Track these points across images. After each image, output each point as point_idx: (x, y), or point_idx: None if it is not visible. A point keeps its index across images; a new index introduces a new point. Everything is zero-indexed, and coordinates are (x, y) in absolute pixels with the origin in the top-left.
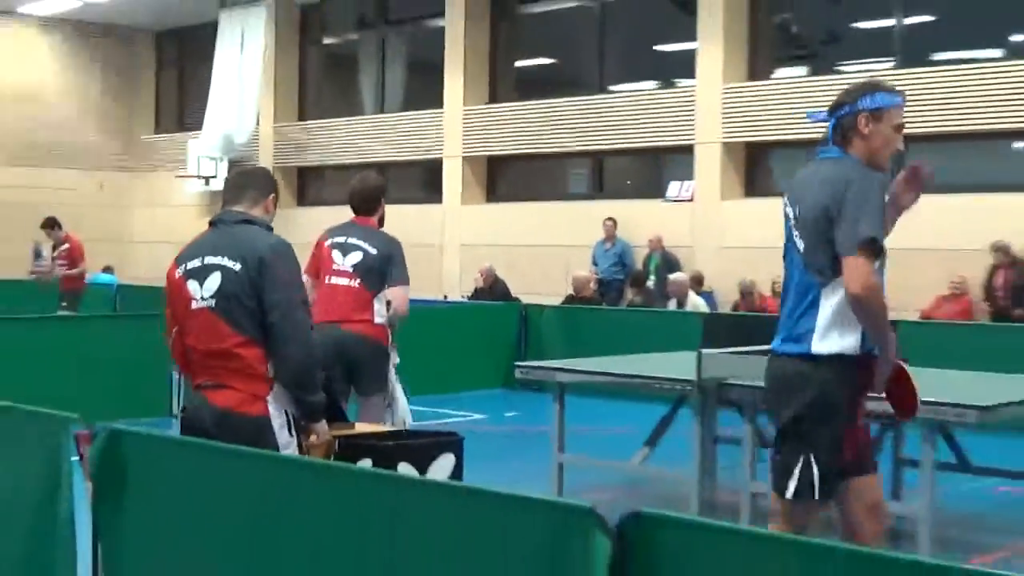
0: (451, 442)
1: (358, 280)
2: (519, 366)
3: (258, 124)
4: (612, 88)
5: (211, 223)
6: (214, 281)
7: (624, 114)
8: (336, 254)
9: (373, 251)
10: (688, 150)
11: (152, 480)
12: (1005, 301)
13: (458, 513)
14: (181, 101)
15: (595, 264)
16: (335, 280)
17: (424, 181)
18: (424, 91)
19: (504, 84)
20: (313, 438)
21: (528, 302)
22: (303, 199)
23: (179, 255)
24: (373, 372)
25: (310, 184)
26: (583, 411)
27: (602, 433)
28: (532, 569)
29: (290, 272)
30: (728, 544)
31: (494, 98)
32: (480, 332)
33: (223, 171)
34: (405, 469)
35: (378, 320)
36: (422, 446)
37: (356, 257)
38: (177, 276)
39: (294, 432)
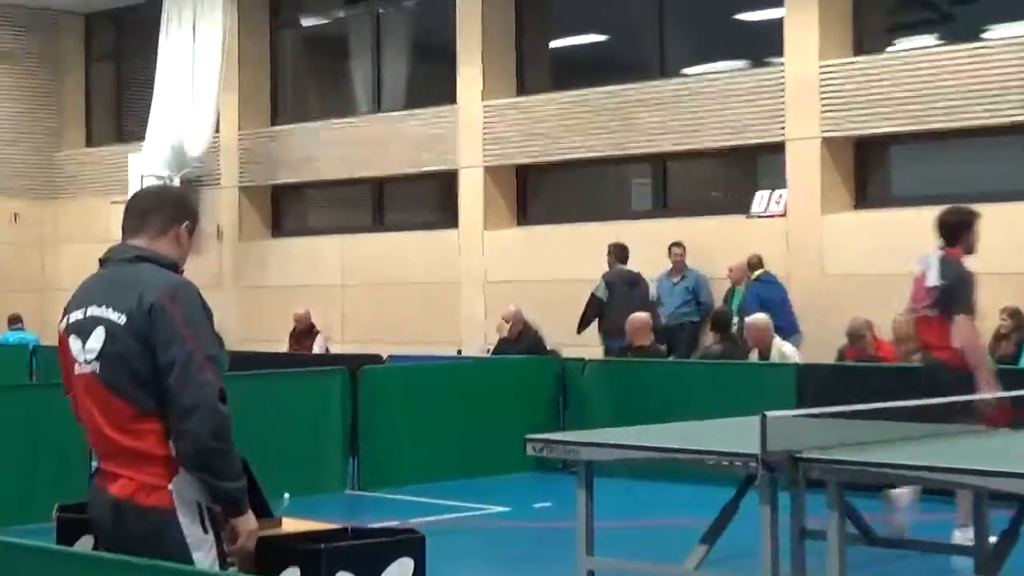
0: (408, 542)
1: None
2: (530, 440)
3: (218, 132)
4: (676, 72)
5: (101, 262)
6: (97, 339)
7: (693, 105)
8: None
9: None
10: (778, 149)
11: None
12: None
13: None
14: (118, 104)
15: (659, 303)
16: None
17: (434, 200)
18: (432, 83)
19: (535, 72)
20: (239, 537)
21: (568, 355)
22: (278, 228)
23: (68, 303)
24: None
25: (287, 207)
26: (622, 498)
27: (646, 527)
28: None
29: (191, 320)
30: None
31: (522, 90)
32: (506, 396)
33: None
34: None
35: None
36: (368, 548)
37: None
38: (61, 330)
39: (209, 527)
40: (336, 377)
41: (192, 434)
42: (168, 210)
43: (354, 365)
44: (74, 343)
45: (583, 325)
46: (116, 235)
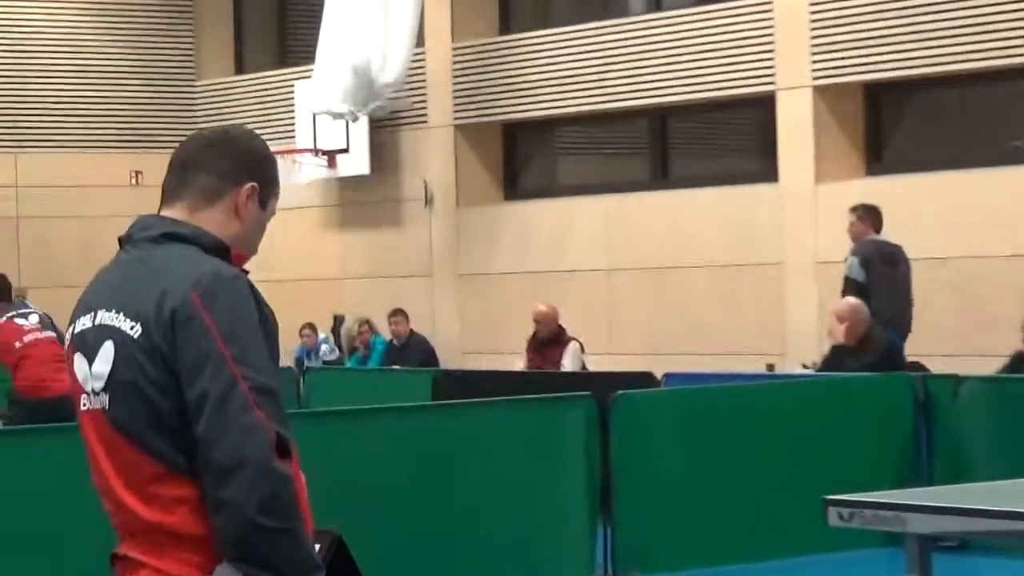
0: None
1: None
2: (830, 502)
3: (421, 46)
4: None
5: (120, 242)
6: (105, 360)
7: None
8: None
9: None
10: None
11: None
12: None
13: None
14: (280, 14)
15: None
16: None
17: (739, 140)
18: None
19: None
20: None
21: (938, 371)
22: (512, 187)
23: (77, 304)
24: None
25: (526, 156)
26: None
27: None
28: None
29: (232, 332)
30: None
31: None
32: (838, 435)
33: (361, 138)
34: None
35: None
36: None
37: None
38: (67, 346)
39: None
40: (578, 408)
41: (232, 506)
42: (224, 163)
43: (611, 389)
44: (79, 365)
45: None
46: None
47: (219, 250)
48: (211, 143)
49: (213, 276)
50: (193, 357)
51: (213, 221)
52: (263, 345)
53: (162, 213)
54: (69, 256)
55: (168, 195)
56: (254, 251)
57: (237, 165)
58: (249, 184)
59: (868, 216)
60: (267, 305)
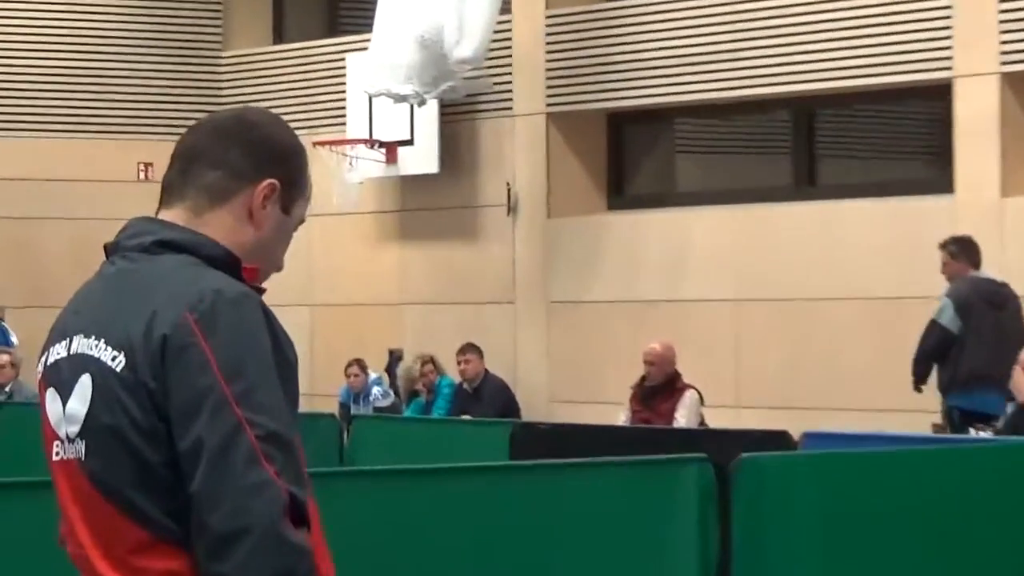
0: None
1: None
2: None
3: (507, 12)
4: None
5: (106, 251)
6: (81, 398)
7: None
8: None
9: None
10: None
11: None
12: None
13: None
14: None
15: None
16: None
17: (905, 139)
18: None
19: None
20: None
21: None
22: (619, 193)
23: (52, 328)
24: None
25: (636, 154)
26: None
27: None
28: None
29: (236, 366)
30: None
31: None
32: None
33: (428, 127)
34: None
35: None
36: None
37: None
38: (39, 378)
39: None
40: (693, 473)
41: None
42: (236, 155)
43: (736, 450)
44: (51, 404)
45: (922, 374)
46: (321, 202)
47: (226, 262)
48: (221, 129)
49: (214, 295)
50: (187, 397)
51: (221, 227)
52: (276, 383)
53: (160, 215)
54: (59, 267)
55: (168, 194)
56: (274, 267)
57: (253, 157)
58: (268, 182)
59: (962, 252)
60: (284, 333)
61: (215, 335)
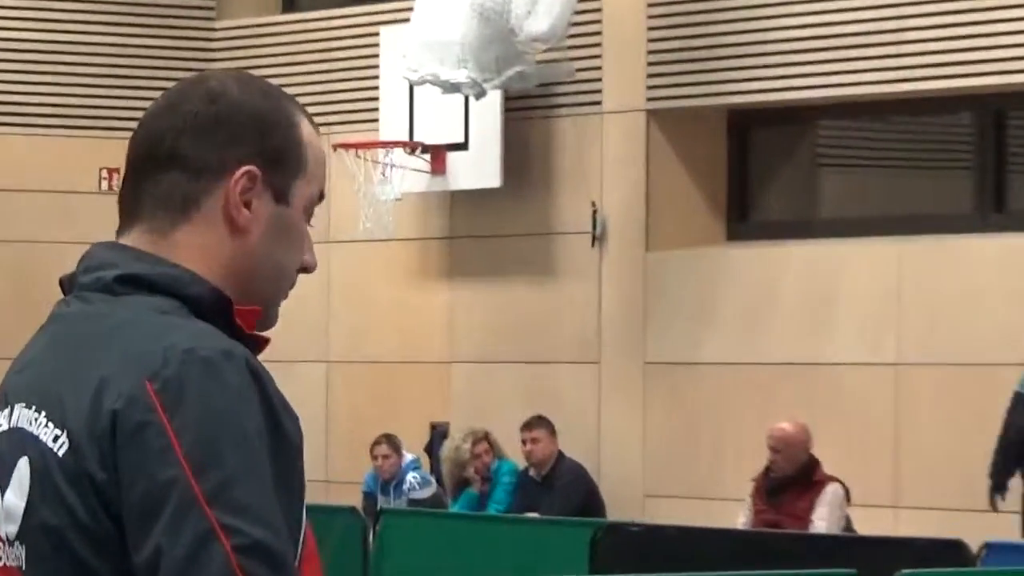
0: None
1: None
2: None
3: None
4: None
5: (62, 286)
6: (19, 489)
7: None
8: None
9: None
10: None
11: None
12: None
13: None
14: None
15: None
16: None
17: None
18: None
19: None
20: None
21: None
22: (742, 219)
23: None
24: None
25: (766, 164)
26: None
27: None
28: None
29: (208, 451)
30: None
31: None
32: None
33: (489, 127)
34: None
35: None
36: None
37: None
38: None
39: None
40: None
41: None
42: (191, 141)
43: (896, 563)
44: None
45: (1002, 473)
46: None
47: (212, 306)
48: (170, 110)
49: (183, 356)
50: (143, 493)
51: (195, 248)
52: (265, 474)
53: (120, 240)
54: None
55: (123, 213)
56: (279, 294)
57: (211, 141)
58: (241, 170)
59: None
60: (283, 400)
61: (181, 410)
